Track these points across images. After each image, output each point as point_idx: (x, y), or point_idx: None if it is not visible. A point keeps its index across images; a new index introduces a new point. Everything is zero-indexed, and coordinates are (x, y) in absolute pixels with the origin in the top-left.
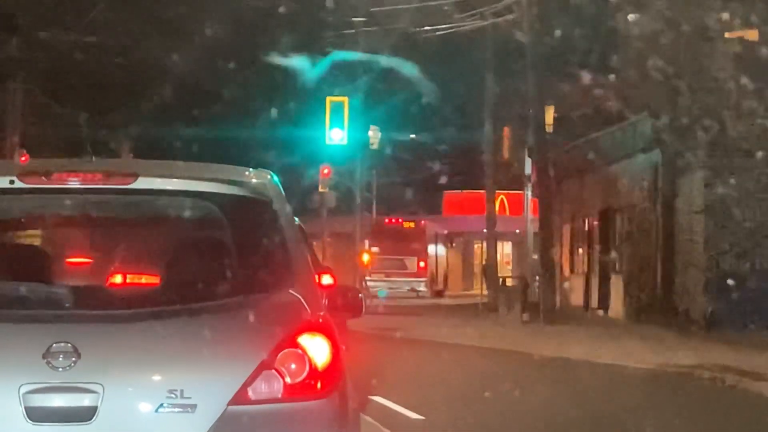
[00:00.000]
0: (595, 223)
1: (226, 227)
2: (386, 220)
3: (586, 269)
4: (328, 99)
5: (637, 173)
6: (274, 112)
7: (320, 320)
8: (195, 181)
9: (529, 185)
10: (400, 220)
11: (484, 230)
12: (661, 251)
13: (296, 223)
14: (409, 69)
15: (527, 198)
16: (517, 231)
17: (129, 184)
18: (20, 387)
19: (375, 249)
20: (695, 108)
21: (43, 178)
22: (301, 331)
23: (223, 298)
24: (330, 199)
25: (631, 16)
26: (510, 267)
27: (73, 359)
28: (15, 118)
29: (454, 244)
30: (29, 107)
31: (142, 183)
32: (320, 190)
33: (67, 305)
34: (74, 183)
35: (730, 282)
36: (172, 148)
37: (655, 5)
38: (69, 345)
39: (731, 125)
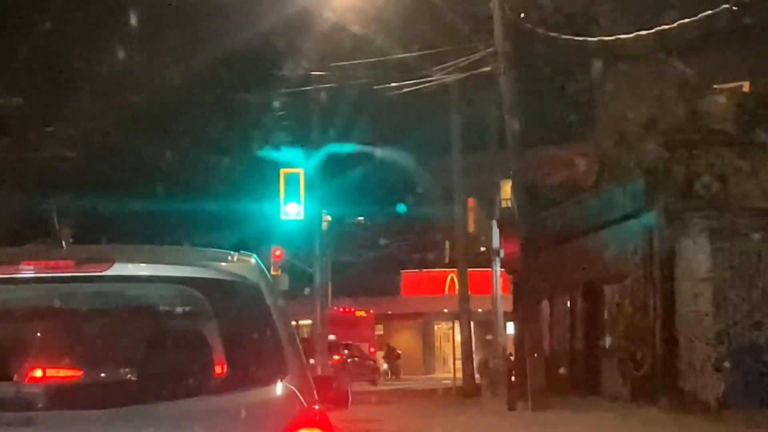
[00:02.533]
0: (580, 297)
1: (212, 315)
2: (340, 310)
3: (570, 348)
4: (282, 171)
5: (627, 240)
6: (224, 186)
7: (316, 413)
8: (176, 266)
9: (498, 260)
10: (352, 309)
11: (445, 310)
12: (661, 325)
13: (285, 306)
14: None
15: (496, 274)
16: (480, 310)
17: (104, 271)
18: None
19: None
20: (693, 164)
21: (9, 267)
22: (297, 427)
23: (212, 394)
24: (283, 282)
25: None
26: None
27: None
28: None
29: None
30: None
31: (119, 269)
32: (272, 273)
33: (39, 403)
34: (43, 272)
35: (743, 357)
36: (113, 226)
37: (640, 58)
38: None
39: (734, 181)
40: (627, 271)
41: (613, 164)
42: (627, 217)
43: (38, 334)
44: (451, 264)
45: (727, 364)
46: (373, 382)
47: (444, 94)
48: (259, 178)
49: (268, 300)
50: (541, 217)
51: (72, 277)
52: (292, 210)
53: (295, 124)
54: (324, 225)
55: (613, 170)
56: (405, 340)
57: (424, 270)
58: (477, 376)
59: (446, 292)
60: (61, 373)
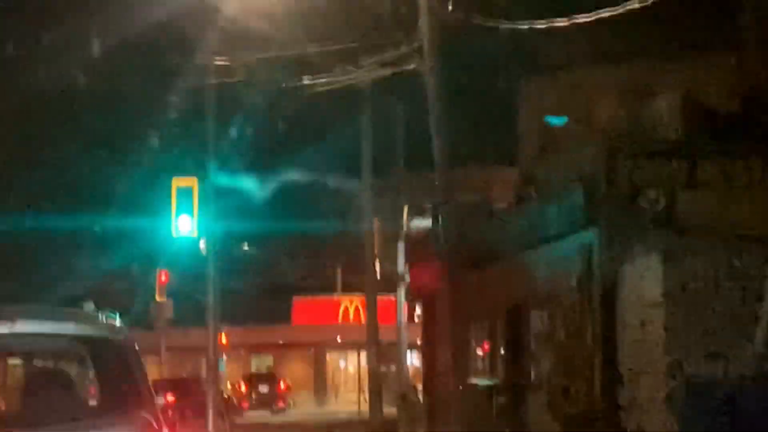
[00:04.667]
0: (502, 323)
1: (90, 360)
2: None
3: (491, 382)
4: (174, 181)
5: (561, 260)
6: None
7: None
8: (62, 324)
9: (403, 285)
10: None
11: (338, 339)
12: (600, 356)
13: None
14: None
15: (401, 300)
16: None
17: (11, 328)
18: None
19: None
20: (638, 176)
21: None
22: None
23: (91, 419)
24: (168, 309)
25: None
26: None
27: None
28: None
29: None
30: None
31: (20, 327)
32: (157, 299)
33: None
34: None
35: (698, 391)
36: None
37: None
38: None
39: (686, 196)
40: (559, 294)
41: (539, 178)
42: (560, 235)
43: None
44: (345, 290)
45: (679, 399)
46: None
47: (353, 102)
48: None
49: (129, 350)
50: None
51: None
52: (184, 226)
53: (192, 130)
54: (202, 249)
55: (539, 185)
56: (296, 370)
57: (316, 297)
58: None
59: (340, 320)
60: None
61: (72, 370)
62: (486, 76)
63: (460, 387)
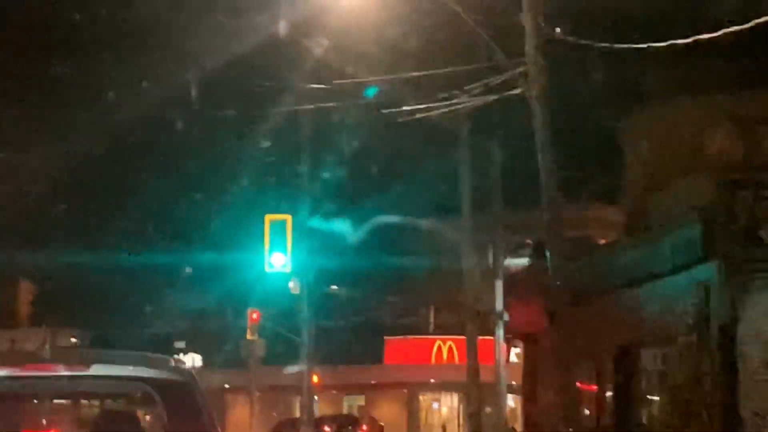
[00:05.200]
0: (610, 363)
1: (161, 403)
2: None
3: (597, 424)
4: (268, 217)
5: (675, 296)
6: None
7: None
8: (134, 367)
9: (502, 324)
10: None
11: (431, 380)
12: (719, 398)
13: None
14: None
15: (499, 340)
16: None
17: (85, 371)
18: None
19: None
20: (758, 208)
21: (14, 368)
22: None
23: None
24: (259, 347)
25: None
26: (459, 423)
27: None
28: None
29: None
30: None
31: (96, 370)
32: (248, 337)
33: None
34: (42, 371)
35: None
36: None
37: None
38: None
39: None
40: (673, 333)
41: (649, 212)
42: (674, 270)
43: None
44: (438, 329)
45: None
46: None
47: (448, 135)
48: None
49: (198, 393)
50: (563, 273)
51: (62, 376)
52: (277, 261)
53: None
54: (292, 289)
55: (648, 219)
56: (388, 411)
57: (408, 337)
58: None
59: (433, 360)
60: None
61: (142, 411)
62: (584, 109)
63: (571, 430)
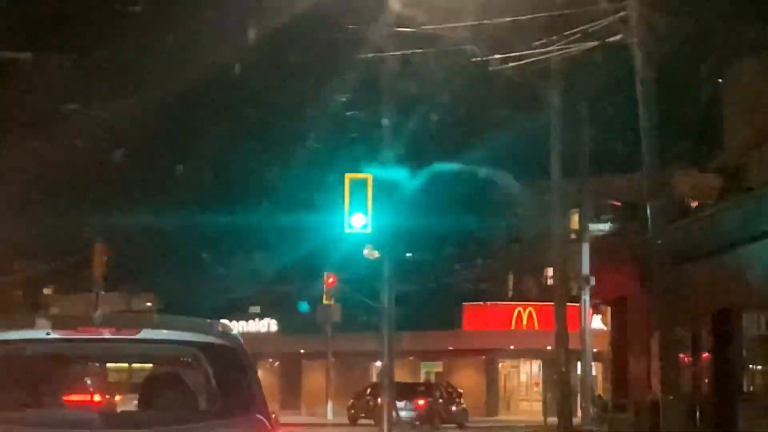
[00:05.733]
0: (708, 328)
1: (208, 366)
2: None
3: (695, 391)
4: (348, 176)
5: None
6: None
7: None
8: (182, 332)
9: (587, 289)
10: None
11: (511, 347)
12: None
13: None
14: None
15: (585, 305)
16: (549, 348)
17: (136, 334)
18: None
19: None
20: None
21: (72, 330)
22: None
23: (213, 419)
24: (335, 313)
25: None
26: (538, 389)
27: None
28: None
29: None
30: None
31: (145, 334)
32: (324, 302)
33: (96, 427)
34: (96, 334)
35: None
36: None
37: None
38: None
39: None
40: None
41: (748, 171)
42: None
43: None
44: (518, 297)
45: None
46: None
47: (540, 91)
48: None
49: (245, 358)
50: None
51: (114, 339)
52: (357, 222)
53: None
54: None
55: (747, 180)
56: (466, 378)
57: (488, 303)
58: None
59: (513, 327)
60: (97, 398)
61: (191, 375)
62: (683, 61)
63: (671, 397)
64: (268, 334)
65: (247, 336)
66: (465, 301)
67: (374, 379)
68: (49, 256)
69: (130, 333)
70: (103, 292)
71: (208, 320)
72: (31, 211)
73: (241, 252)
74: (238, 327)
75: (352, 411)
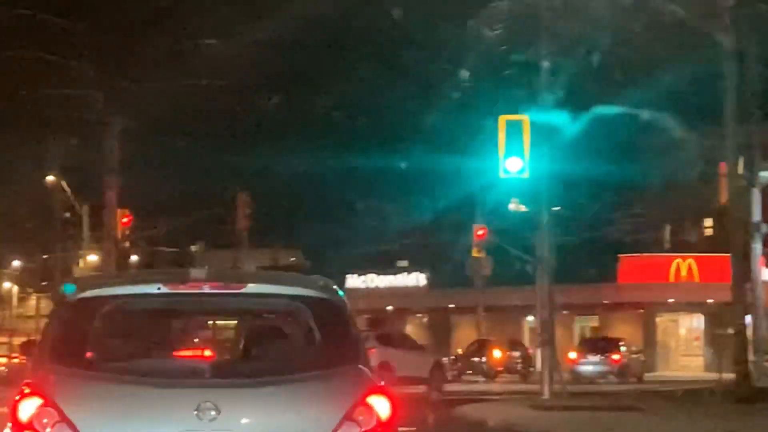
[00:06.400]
0: None
1: (312, 320)
2: None
3: None
4: (502, 118)
5: None
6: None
7: (382, 386)
8: (287, 287)
9: (759, 237)
10: None
11: (670, 300)
12: None
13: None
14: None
15: (756, 255)
16: (710, 301)
17: (241, 289)
18: None
19: None
20: None
21: (181, 285)
22: (369, 393)
23: (318, 369)
24: (485, 266)
25: None
26: (699, 344)
27: (215, 413)
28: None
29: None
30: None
31: (251, 288)
32: (474, 255)
33: (207, 376)
34: (204, 289)
35: None
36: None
37: None
38: (211, 404)
39: None
40: None
41: None
42: None
43: (194, 328)
44: (675, 246)
45: None
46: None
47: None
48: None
49: (347, 312)
50: None
51: (221, 293)
52: (514, 166)
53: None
54: (512, 208)
55: None
56: (623, 333)
57: (644, 254)
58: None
59: (671, 279)
60: (207, 353)
61: (296, 327)
62: None
63: None
64: (416, 288)
65: (395, 290)
66: (620, 252)
67: (526, 334)
68: (194, 209)
69: (237, 287)
70: (249, 249)
71: (314, 276)
72: (173, 163)
73: (387, 203)
74: (384, 281)
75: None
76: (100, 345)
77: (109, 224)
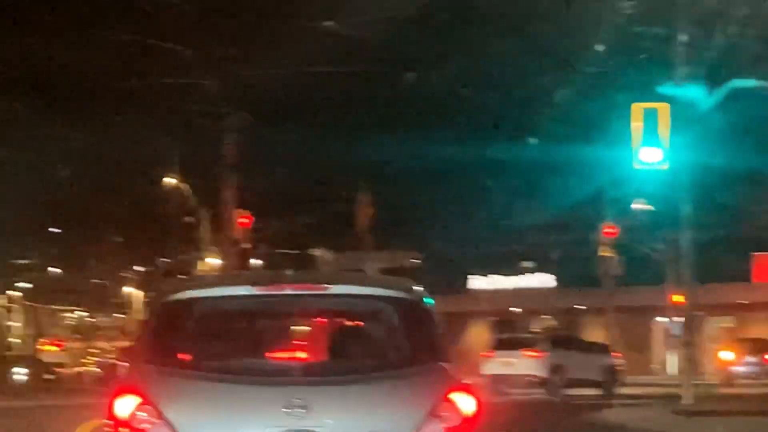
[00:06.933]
0: None
1: (396, 319)
2: None
3: None
4: (637, 106)
5: None
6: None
7: (465, 384)
8: (371, 288)
9: None
10: None
11: None
12: None
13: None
14: None
15: None
16: None
17: (327, 290)
18: (266, 430)
19: None
20: None
21: (270, 287)
22: (453, 390)
23: (402, 367)
24: (615, 265)
25: None
26: None
27: (304, 410)
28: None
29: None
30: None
31: (337, 289)
32: (602, 254)
33: (296, 374)
34: (290, 290)
35: None
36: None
37: None
38: (300, 401)
39: None
40: None
41: None
42: None
43: (288, 329)
44: None
45: None
46: None
47: None
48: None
49: (430, 311)
50: None
51: (308, 294)
52: (650, 156)
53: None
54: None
55: None
56: (761, 335)
57: None
58: None
59: None
60: (298, 354)
61: (380, 327)
62: None
63: None
64: (542, 289)
65: (520, 291)
66: (754, 250)
67: (658, 336)
68: (314, 208)
69: (323, 288)
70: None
71: (397, 277)
72: (290, 159)
73: (510, 201)
74: (510, 282)
75: None
76: (193, 345)
77: (227, 225)
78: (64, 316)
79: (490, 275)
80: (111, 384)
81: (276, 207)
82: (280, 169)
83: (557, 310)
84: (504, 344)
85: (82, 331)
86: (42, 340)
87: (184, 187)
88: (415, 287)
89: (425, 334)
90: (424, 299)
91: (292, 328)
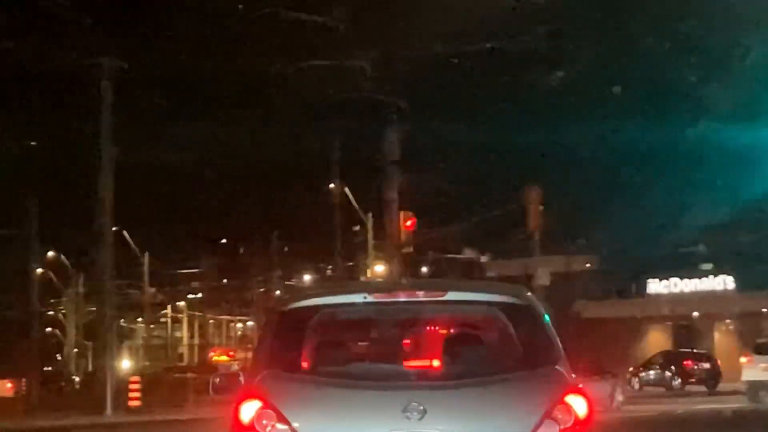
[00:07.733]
0: None
1: (510, 325)
2: None
3: None
4: None
5: None
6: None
7: (579, 387)
8: (485, 294)
9: None
10: None
11: None
12: None
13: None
14: None
15: None
16: None
17: (442, 297)
18: None
19: None
20: None
21: (386, 294)
22: (567, 393)
23: (517, 371)
24: None
25: None
26: None
27: (423, 415)
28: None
29: None
30: None
31: (450, 296)
32: None
33: (413, 379)
34: (405, 297)
35: None
36: None
37: None
38: (419, 405)
39: None
40: None
41: None
42: None
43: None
44: None
45: None
46: None
47: None
48: None
49: (542, 316)
50: None
51: (423, 301)
52: None
53: None
54: None
55: None
56: None
57: None
58: None
59: None
60: (420, 362)
61: (495, 332)
62: None
63: None
64: (723, 291)
65: (700, 295)
66: None
67: None
68: (479, 209)
69: (438, 295)
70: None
71: (508, 283)
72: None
73: (686, 198)
74: (689, 285)
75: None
76: (312, 351)
77: (390, 229)
78: (232, 326)
79: (669, 279)
80: (233, 390)
81: (437, 208)
82: (439, 165)
83: (738, 314)
84: (763, 349)
85: (251, 341)
86: (213, 349)
87: (348, 192)
88: (526, 293)
89: (539, 339)
90: (536, 304)
91: (407, 334)
